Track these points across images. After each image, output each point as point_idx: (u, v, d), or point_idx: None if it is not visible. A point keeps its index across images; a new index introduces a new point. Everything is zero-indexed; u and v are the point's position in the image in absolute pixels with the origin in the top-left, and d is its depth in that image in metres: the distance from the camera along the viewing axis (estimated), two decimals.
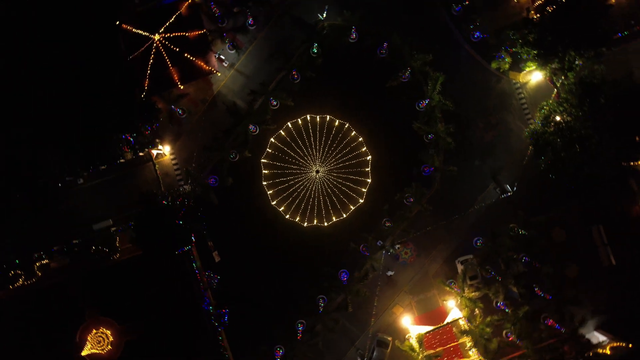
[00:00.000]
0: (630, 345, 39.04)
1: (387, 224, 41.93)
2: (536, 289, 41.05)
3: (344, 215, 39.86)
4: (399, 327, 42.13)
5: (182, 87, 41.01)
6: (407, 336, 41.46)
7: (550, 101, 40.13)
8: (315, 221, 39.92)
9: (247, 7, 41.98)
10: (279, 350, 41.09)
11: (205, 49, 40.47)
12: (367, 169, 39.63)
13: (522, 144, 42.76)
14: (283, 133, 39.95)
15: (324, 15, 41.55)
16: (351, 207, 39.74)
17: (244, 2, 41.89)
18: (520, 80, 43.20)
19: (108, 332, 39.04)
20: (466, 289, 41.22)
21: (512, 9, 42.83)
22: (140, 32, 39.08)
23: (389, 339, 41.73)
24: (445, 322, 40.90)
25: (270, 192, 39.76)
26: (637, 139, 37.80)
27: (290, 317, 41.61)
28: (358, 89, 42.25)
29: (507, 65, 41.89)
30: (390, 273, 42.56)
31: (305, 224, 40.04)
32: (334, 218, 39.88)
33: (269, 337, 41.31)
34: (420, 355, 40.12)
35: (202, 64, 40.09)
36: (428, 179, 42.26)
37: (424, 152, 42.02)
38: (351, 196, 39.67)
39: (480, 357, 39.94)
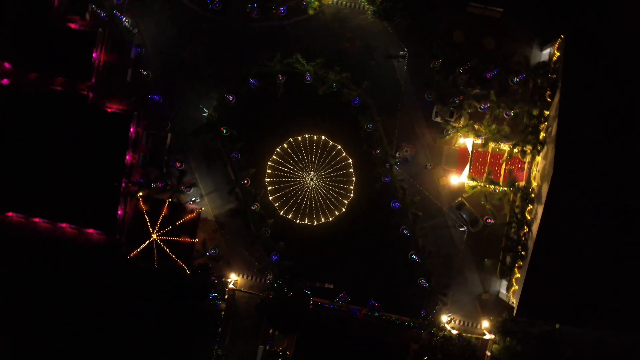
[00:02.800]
0: None
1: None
2: (486, 75, 50.02)
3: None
4: (455, 188, 51.47)
5: (197, 243, 50.73)
6: (465, 185, 50.89)
7: None
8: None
9: (167, 166, 50.84)
10: None
11: (194, 229, 49.64)
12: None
13: None
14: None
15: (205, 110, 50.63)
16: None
17: (160, 164, 51.00)
18: None
19: None
20: (455, 125, 50.34)
21: None
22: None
23: (459, 199, 51.20)
24: (470, 152, 50.30)
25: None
26: None
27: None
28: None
29: None
30: (428, 166, 51.36)
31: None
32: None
33: None
34: (484, 183, 49.74)
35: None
36: None
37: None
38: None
39: (508, 144, 49.34)
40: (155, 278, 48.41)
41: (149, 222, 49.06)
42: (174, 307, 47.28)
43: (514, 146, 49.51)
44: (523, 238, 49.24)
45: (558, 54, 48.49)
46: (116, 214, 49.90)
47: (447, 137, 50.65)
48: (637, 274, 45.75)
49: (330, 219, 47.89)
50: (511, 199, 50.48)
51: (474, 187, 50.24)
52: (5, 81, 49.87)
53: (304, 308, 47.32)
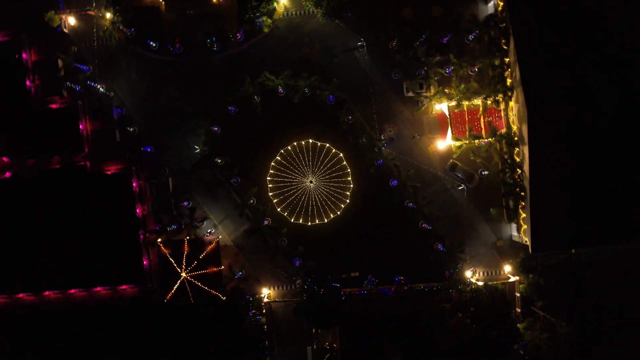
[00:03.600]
0: None
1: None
2: (442, 41, 52.84)
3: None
4: (444, 152, 54.25)
5: (223, 270, 53.70)
6: (452, 147, 53.65)
7: None
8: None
9: (176, 208, 53.81)
10: None
11: (217, 258, 52.80)
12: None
13: None
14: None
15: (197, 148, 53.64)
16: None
17: (169, 208, 54.06)
18: None
19: None
20: (427, 95, 53.16)
21: None
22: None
23: (451, 161, 53.98)
24: (448, 115, 53.12)
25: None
26: None
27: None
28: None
29: None
30: (416, 136, 53.92)
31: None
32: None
33: None
34: (469, 140, 52.54)
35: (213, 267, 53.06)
36: None
37: None
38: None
39: (480, 98, 52.14)
40: (195, 312, 51.38)
41: (174, 263, 52.04)
42: (219, 335, 50.22)
43: (486, 99, 52.30)
44: (518, 180, 52.01)
45: (501, 2, 51.24)
46: (142, 265, 52.91)
47: (423, 107, 53.38)
48: (630, 184, 48.41)
49: (338, 212, 50.70)
50: (497, 147, 53.23)
51: (460, 147, 53.04)
52: (7, 174, 52.88)
53: (337, 301, 50.19)
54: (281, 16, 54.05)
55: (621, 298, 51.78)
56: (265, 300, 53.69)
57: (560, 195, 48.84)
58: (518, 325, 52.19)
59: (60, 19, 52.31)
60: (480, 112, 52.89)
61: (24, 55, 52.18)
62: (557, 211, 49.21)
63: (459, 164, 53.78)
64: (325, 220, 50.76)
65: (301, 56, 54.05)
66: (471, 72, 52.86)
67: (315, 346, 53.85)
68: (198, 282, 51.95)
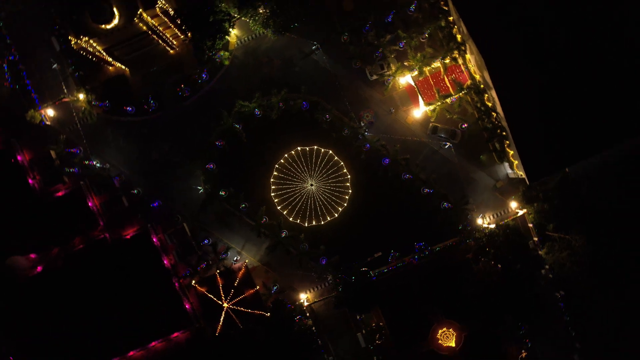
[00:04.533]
0: None
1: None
2: (387, 20, 56.16)
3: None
4: (422, 119, 57.54)
5: (259, 289, 57.30)
6: (427, 112, 57.00)
7: None
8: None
9: (199, 248, 57.34)
10: None
11: (251, 280, 56.68)
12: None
13: None
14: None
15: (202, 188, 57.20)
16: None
17: (193, 250, 57.47)
18: None
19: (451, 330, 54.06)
20: (389, 73, 56.49)
21: None
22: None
23: (431, 125, 57.19)
24: (415, 85, 56.44)
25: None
26: None
27: None
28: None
29: None
30: (392, 110, 57.34)
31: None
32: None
33: None
34: (440, 101, 55.85)
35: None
36: None
37: None
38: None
39: (438, 60, 55.53)
40: (247, 336, 54.83)
41: (214, 297, 55.51)
42: (275, 348, 53.66)
43: (443, 59, 55.55)
44: (496, 122, 55.32)
45: None
46: (186, 309, 56.35)
47: (390, 85, 56.65)
48: (596, 91, 51.50)
49: (345, 204, 54.04)
50: (468, 99, 56.50)
51: (434, 110, 56.29)
52: (39, 269, 56.41)
53: (369, 283, 53.63)
54: (236, 45, 57.40)
55: (621, 200, 55.16)
56: (306, 304, 57.11)
57: (538, 122, 51.82)
58: (539, 252, 55.51)
59: (40, 115, 55.80)
60: (442, 73, 56.08)
61: (19, 158, 55.70)
62: (539, 137, 52.14)
63: (439, 125, 57.01)
64: (336, 215, 54.13)
65: (265, 75, 57.43)
66: (422, 40, 56.18)
67: (364, 331, 57.23)
68: (240, 307, 55.38)
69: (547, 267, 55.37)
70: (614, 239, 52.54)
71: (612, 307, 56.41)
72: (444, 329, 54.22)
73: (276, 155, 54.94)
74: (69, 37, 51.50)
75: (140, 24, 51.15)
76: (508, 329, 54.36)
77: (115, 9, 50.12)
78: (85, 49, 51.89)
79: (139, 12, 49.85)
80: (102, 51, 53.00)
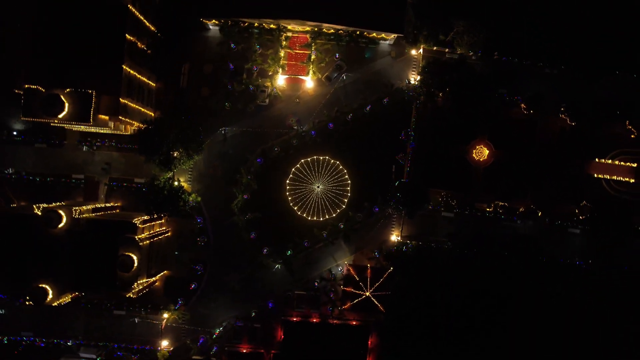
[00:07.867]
0: None
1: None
2: (231, 67, 70.14)
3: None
4: (315, 85, 70.88)
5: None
6: (312, 76, 70.62)
7: None
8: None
9: (317, 291, 70.57)
10: None
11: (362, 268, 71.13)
12: (344, 171, 68.39)
13: None
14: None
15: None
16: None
17: (316, 297, 70.68)
18: None
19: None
20: (266, 85, 70.47)
21: None
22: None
23: (323, 78, 70.83)
24: (288, 75, 70.30)
25: (296, 207, 67.96)
26: None
27: None
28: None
29: None
30: (297, 100, 70.77)
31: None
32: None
33: None
34: (312, 64, 69.90)
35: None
36: None
37: None
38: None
39: (281, 46, 69.99)
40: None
41: (359, 287, 70.05)
42: None
43: (282, 46, 69.83)
44: (348, 31, 69.55)
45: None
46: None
47: (272, 93, 70.57)
48: None
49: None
50: (317, 42, 70.32)
51: (313, 71, 70.17)
52: None
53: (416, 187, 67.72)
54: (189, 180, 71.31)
55: None
56: (396, 238, 71.11)
57: None
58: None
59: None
60: (293, 50, 70.28)
61: None
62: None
63: (326, 73, 70.67)
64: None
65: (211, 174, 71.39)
66: (260, 53, 70.12)
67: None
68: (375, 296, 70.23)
69: None
70: None
71: None
72: (482, 145, 69.34)
73: (278, 192, 69.16)
74: None
75: None
76: None
77: None
78: None
79: None
80: None
